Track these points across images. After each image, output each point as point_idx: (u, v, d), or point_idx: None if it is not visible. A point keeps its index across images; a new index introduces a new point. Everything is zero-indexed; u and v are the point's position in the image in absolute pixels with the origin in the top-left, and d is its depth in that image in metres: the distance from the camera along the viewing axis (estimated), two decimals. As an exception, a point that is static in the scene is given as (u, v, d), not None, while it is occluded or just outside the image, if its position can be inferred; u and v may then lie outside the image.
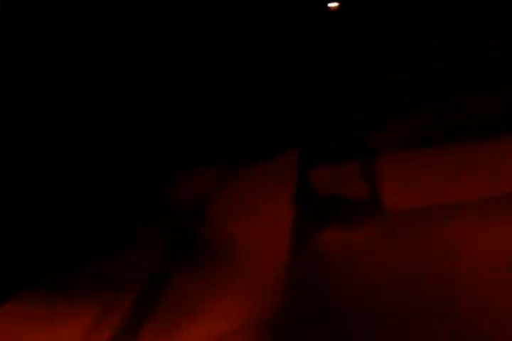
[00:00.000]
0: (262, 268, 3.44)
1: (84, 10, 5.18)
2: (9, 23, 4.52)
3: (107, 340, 3.02)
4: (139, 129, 5.36)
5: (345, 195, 4.27)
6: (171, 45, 5.79)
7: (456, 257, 3.08)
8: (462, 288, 2.80)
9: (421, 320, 2.64)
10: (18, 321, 3.36)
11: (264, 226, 4.02)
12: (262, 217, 4.19)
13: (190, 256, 3.83)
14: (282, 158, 5.38)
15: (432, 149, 4.74)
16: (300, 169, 5.06)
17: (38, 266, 3.83)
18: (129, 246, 4.14)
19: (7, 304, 3.52)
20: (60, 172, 4.65)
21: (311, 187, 4.60)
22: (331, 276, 3.21)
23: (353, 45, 6.38)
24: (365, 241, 3.51)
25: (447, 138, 4.89)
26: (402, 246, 3.33)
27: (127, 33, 5.48)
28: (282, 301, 3.04)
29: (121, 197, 4.76)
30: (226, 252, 3.76)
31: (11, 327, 3.30)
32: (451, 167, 4.31)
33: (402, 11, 6.44)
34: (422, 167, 4.46)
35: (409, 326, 2.63)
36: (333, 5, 6.30)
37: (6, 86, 4.48)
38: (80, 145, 4.94)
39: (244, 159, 5.42)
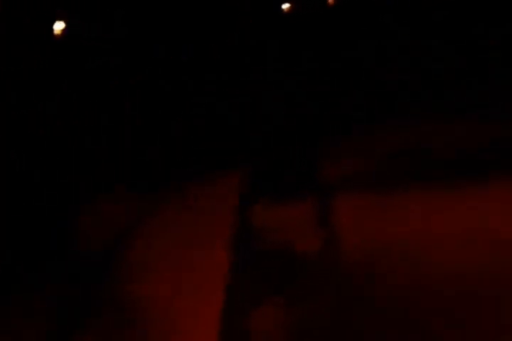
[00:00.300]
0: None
1: (84, 10, 5.18)
2: (9, 23, 4.52)
3: None
4: (139, 129, 5.36)
5: (294, 246, 3.45)
6: (171, 45, 5.79)
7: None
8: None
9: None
10: None
11: (187, 292, 3.09)
12: (186, 275, 3.28)
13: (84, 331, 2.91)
14: (222, 182, 4.49)
15: (402, 190, 3.98)
16: (242, 200, 4.19)
17: (38, 266, 3.81)
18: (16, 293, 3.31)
19: None
20: (60, 172, 4.65)
21: (254, 232, 3.72)
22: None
23: (353, 45, 6.38)
24: (316, 317, 2.75)
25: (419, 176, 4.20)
26: (359, 322, 2.63)
27: (127, 33, 5.48)
28: None
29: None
30: (132, 326, 2.88)
31: None
32: (423, 212, 3.61)
33: (402, 11, 6.44)
34: (386, 210, 3.71)
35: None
36: (285, 6, 6.29)
37: (6, 86, 4.48)
38: (80, 145, 4.94)
39: (179, 178, 4.65)
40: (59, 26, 4.92)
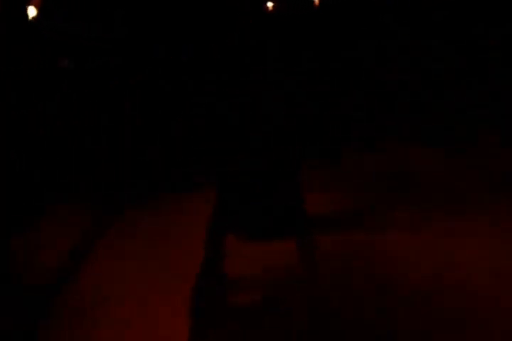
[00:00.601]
0: None
1: (84, 10, 5.18)
2: (9, 23, 4.51)
3: None
4: (139, 129, 5.36)
5: (275, 303, 2.80)
6: (171, 45, 5.79)
7: None
8: None
9: None
10: None
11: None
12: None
13: None
14: (192, 209, 4.00)
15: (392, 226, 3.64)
16: (212, 234, 3.59)
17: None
18: None
19: None
20: (60, 172, 4.64)
21: (222, 286, 2.99)
22: None
23: (353, 45, 6.38)
24: None
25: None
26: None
27: (127, 33, 5.48)
28: None
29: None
30: None
31: None
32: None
33: (402, 11, 6.44)
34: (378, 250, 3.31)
35: None
36: (269, 5, 6.24)
37: (6, 86, 4.47)
38: (80, 145, 4.93)
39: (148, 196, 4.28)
40: (32, 12, 4.67)
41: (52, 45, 4.97)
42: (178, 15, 5.89)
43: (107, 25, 5.30)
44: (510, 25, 6.13)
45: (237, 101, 5.79)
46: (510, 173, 4.40)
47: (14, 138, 4.45)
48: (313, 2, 6.42)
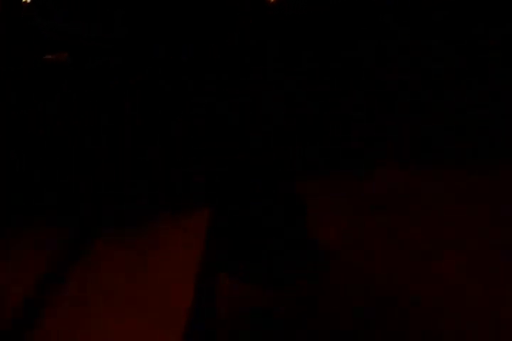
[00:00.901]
0: None
1: (84, 10, 5.18)
2: (9, 23, 4.52)
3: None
4: (139, 129, 5.36)
5: None
6: (171, 45, 5.79)
7: None
8: None
9: None
10: None
11: None
12: None
13: None
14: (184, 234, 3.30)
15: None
16: (204, 275, 2.95)
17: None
18: None
19: None
20: (61, 173, 4.65)
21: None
22: None
23: (353, 45, 6.38)
24: None
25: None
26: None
27: (127, 33, 5.48)
28: None
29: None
30: None
31: None
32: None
33: (402, 11, 6.43)
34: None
35: None
36: None
37: (6, 86, 4.48)
38: (80, 145, 4.94)
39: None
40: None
41: (52, 45, 4.98)
42: (178, 15, 5.88)
43: (107, 25, 5.30)
44: (510, 25, 6.13)
45: (237, 101, 5.79)
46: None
47: (14, 138, 4.45)
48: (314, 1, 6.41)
